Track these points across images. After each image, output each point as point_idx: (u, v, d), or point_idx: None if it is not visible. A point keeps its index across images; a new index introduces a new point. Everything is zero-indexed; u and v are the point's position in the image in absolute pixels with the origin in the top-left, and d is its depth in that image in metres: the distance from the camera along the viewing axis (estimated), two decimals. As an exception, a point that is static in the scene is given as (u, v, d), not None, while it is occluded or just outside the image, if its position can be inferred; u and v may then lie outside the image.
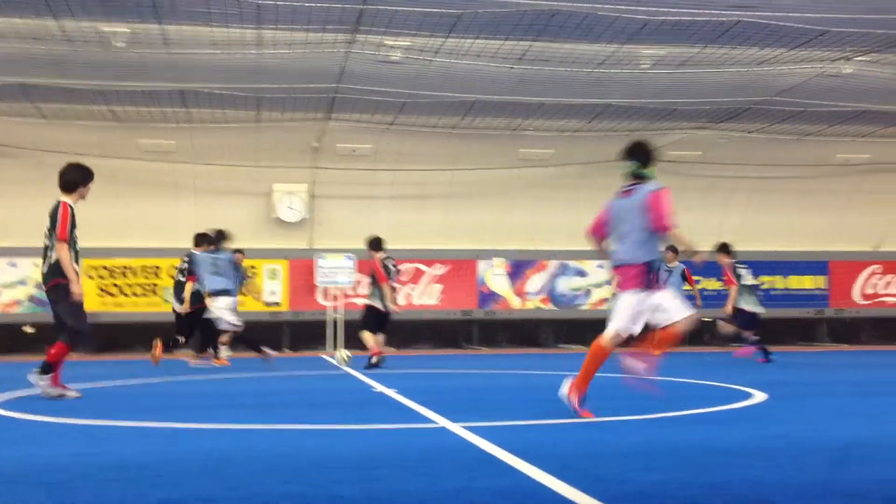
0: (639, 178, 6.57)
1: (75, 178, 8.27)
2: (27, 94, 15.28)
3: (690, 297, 13.40)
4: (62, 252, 8.04)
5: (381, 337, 13.06)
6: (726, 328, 14.83)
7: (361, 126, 17.58)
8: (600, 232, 6.82)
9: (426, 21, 11.88)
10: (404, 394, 8.39)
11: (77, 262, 8.19)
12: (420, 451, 5.15)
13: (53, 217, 8.13)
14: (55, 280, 8.11)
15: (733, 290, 14.12)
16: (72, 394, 8.25)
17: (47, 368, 8.13)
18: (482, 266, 18.82)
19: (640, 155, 6.61)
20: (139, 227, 17.63)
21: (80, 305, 8.19)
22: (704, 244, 16.50)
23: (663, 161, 21.73)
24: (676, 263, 15.01)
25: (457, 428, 5.95)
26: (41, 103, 15.95)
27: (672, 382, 10.02)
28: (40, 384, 8.12)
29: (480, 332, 19.12)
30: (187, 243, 13.86)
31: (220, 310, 13.09)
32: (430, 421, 6.46)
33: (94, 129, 17.19)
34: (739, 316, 14.09)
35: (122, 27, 12.14)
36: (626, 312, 6.49)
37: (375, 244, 13.15)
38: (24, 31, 12.23)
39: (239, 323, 13.22)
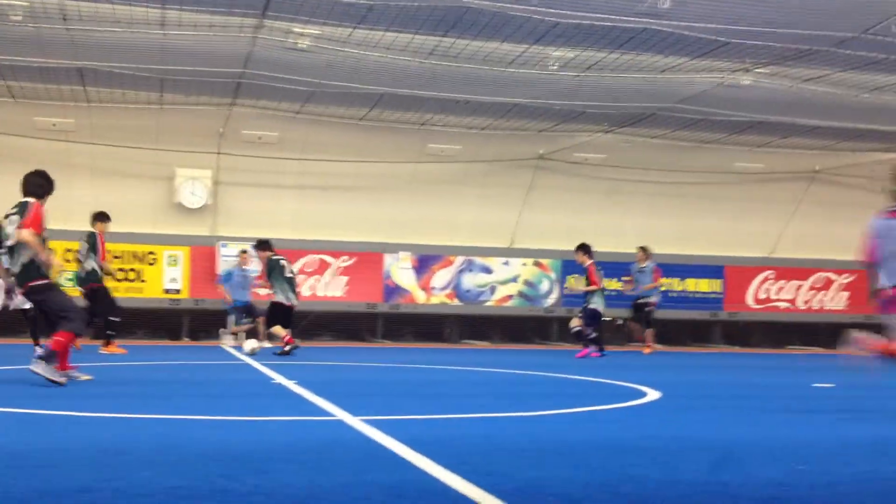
0: None
1: (43, 185, 8.55)
2: (-85, 65, 14.60)
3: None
4: (28, 236, 8.12)
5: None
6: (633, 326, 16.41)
7: (268, 113, 17.33)
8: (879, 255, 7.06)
9: (335, 10, 11.77)
10: (304, 386, 8.32)
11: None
12: (314, 444, 5.11)
13: (22, 212, 8.24)
14: (34, 280, 8.28)
15: (597, 290, 14.68)
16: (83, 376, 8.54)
17: (51, 357, 8.25)
18: (388, 259, 18.78)
19: None
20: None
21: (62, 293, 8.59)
22: (605, 245, 17.08)
23: (567, 162, 22.01)
24: (647, 264, 15.89)
25: (354, 421, 5.93)
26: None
27: (569, 380, 10.20)
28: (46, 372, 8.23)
29: (385, 325, 19.08)
30: (83, 225, 13.48)
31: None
32: (327, 414, 6.42)
33: (-13, 104, 16.53)
34: (586, 313, 14.62)
35: (19, 0, 11.69)
36: None
37: (261, 245, 14.05)
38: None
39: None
